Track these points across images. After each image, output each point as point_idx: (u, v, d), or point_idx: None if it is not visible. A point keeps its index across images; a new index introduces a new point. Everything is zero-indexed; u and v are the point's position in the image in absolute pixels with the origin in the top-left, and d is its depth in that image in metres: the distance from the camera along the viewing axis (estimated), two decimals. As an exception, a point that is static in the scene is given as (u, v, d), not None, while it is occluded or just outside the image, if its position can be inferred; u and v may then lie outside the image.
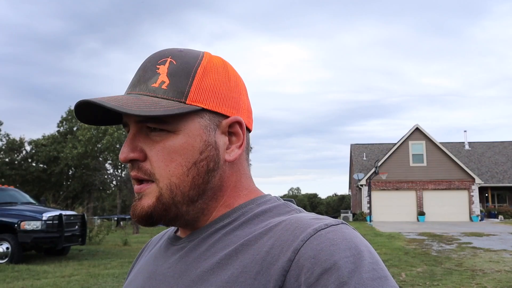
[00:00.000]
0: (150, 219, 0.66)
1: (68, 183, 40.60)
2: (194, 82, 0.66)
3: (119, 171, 33.71)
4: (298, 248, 0.55)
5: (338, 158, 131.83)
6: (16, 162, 38.94)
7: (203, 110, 0.66)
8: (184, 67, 0.66)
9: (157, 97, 0.64)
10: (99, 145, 35.01)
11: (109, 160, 35.28)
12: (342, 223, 0.60)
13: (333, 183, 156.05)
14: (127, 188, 28.60)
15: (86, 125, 32.21)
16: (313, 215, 0.64)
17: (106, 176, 32.98)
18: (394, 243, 13.79)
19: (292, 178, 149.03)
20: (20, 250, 9.96)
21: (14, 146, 39.19)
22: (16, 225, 9.86)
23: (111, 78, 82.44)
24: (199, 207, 0.68)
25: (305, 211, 0.69)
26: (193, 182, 0.66)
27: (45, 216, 10.10)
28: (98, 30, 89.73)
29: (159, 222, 0.68)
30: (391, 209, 29.72)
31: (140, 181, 0.67)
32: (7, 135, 39.70)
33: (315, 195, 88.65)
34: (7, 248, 9.90)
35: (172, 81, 0.65)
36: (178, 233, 0.76)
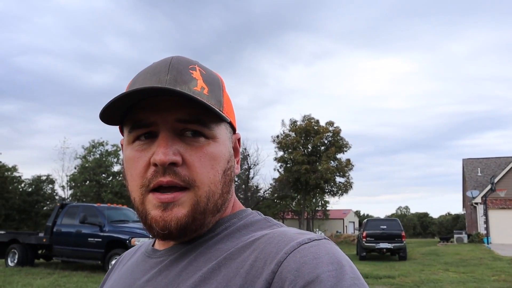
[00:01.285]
0: (185, 231, 0.63)
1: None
2: (224, 95, 0.69)
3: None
4: (282, 261, 0.55)
5: (450, 174, 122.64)
6: (133, 183, 42.35)
7: (229, 122, 0.69)
8: (214, 78, 0.69)
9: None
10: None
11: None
12: (325, 238, 0.60)
13: (445, 201, 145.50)
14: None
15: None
16: (295, 229, 0.64)
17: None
18: (515, 269, 12.31)
19: (400, 197, 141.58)
20: (131, 264, 10.74)
21: (131, 169, 42.74)
22: (127, 241, 10.73)
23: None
24: (216, 218, 0.67)
25: (286, 226, 0.68)
26: (222, 191, 0.66)
27: (152, 233, 10.84)
28: (204, 58, 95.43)
29: (189, 234, 0.64)
30: (513, 230, 26.69)
31: (166, 188, 0.62)
32: (125, 159, 43.48)
33: (425, 214, 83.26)
34: (121, 263, 10.76)
35: (210, 89, 0.66)
36: (155, 246, 0.74)
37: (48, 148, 68.94)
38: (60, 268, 12.35)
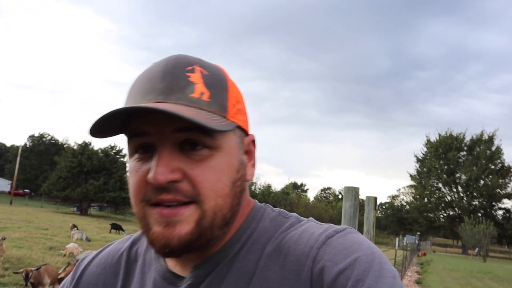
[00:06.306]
0: (188, 248, 0.58)
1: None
2: (229, 96, 0.62)
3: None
4: (314, 256, 0.58)
5: None
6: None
7: (237, 127, 0.63)
8: (217, 79, 0.61)
9: (202, 109, 0.58)
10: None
11: None
12: (348, 227, 0.63)
13: None
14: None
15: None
16: (316, 223, 0.66)
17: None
18: None
19: None
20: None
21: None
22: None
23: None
24: (227, 230, 0.63)
25: (300, 217, 0.69)
26: (231, 204, 0.61)
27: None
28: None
29: (193, 251, 0.59)
30: None
31: (167, 204, 0.57)
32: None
33: None
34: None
35: (212, 92, 0.59)
36: (169, 265, 0.67)
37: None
38: None
